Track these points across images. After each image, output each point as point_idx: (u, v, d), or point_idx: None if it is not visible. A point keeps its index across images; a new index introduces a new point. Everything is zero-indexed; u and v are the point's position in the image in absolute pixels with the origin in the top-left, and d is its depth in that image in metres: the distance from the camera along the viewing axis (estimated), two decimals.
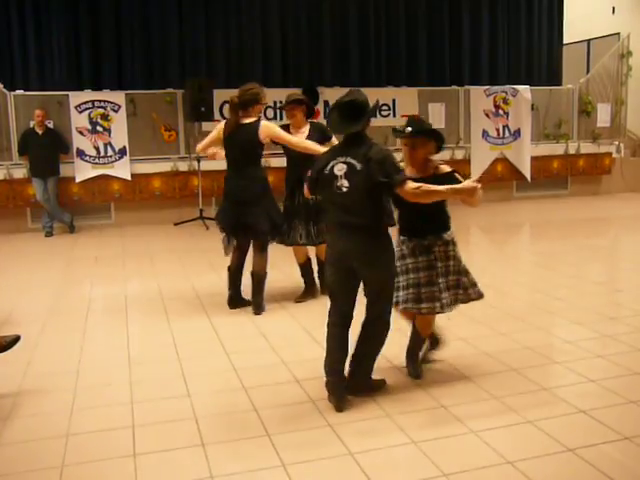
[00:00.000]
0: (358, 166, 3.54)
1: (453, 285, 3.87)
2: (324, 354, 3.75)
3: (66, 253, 8.36)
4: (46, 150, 9.34)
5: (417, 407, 3.62)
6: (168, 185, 10.25)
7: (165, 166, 10.17)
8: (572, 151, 12.40)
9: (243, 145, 5.29)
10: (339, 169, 3.60)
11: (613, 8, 14.45)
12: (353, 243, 3.61)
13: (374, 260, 3.63)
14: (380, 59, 12.24)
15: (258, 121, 5.29)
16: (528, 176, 11.79)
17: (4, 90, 9.70)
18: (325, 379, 3.67)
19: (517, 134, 11.87)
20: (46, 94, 9.95)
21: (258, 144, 5.28)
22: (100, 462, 3.14)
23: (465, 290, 3.93)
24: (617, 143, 12.72)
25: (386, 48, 12.25)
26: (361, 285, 3.73)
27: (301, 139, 5.41)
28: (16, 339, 3.95)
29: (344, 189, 3.58)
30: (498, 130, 11.80)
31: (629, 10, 14.40)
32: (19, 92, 9.84)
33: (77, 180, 9.83)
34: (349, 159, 3.58)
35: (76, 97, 9.86)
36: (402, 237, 3.94)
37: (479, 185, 3.58)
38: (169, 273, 7.05)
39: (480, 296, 3.99)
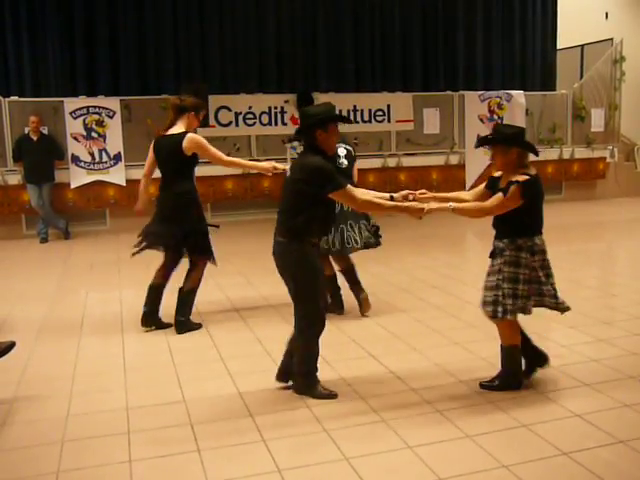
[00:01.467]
0: (289, 172, 3.81)
1: (522, 295, 3.71)
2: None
3: (61, 259, 8.35)
4: (41, 156, 9.33)
5: (412, 412, 3.63)
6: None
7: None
8: (566, 156, 12.46)
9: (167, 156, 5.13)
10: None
11: (606, 14, 14.54)
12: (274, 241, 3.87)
13: (279, 260, 3.82)
14: (375, 64, 12.28)
15: (185, 133, 5.06)
16: None
17: None
18: None
19: None
20: (41, 100, 9.96)
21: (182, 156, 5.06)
22: (96, 468, 3.14)
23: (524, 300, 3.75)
24: (611, 148, 12.78)
25: (380, 53, 12.30)
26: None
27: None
28: (11, 345, 3.94)
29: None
30: None
31: (622, 15, 14.50)
32: (14, 98, 9.84)
33: (72, 186, 9.83)
34: (291, 166, 3.88)
35: (71, 103, 9.87)
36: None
37: (425, 209, 3.67)
38: None
39: (558, 308, 3.84)
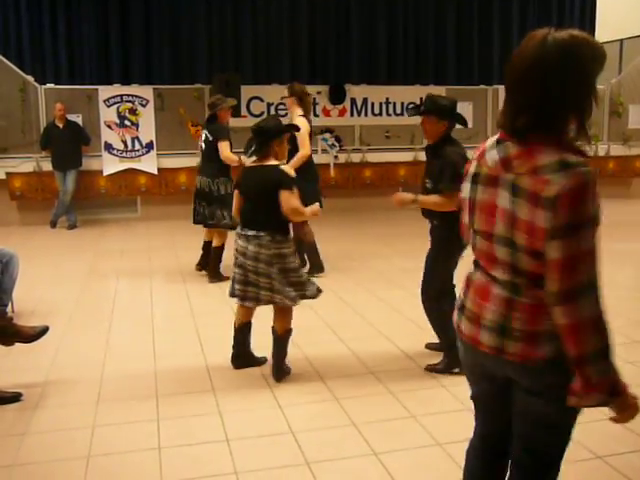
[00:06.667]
0: None
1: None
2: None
3: (92, 246, 8.43)
4: (67, 143, 9.38)
5: (443, 409, 3.59)
6: (194, 180, 10.26)
7: (191, 161, 10.18)
8: (602, 153, 12.22)
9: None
10: None
11: None
12: None
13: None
14: (408, 57, 12.18)
15: None
16: None
17: (35, 83, 9.81)
18: None
19: None
20: (75, 88, 10.04)
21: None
22: (126, 454, 3.16)
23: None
24: None
25: (414, 46, 12.19)
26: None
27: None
28: (45, 330, 3.97)
29: None
30: None
31: None
32: (49, 85, 9.95)
33: (104, 173, 9.92)
34: None
35: (105, 91, 9.94)
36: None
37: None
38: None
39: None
